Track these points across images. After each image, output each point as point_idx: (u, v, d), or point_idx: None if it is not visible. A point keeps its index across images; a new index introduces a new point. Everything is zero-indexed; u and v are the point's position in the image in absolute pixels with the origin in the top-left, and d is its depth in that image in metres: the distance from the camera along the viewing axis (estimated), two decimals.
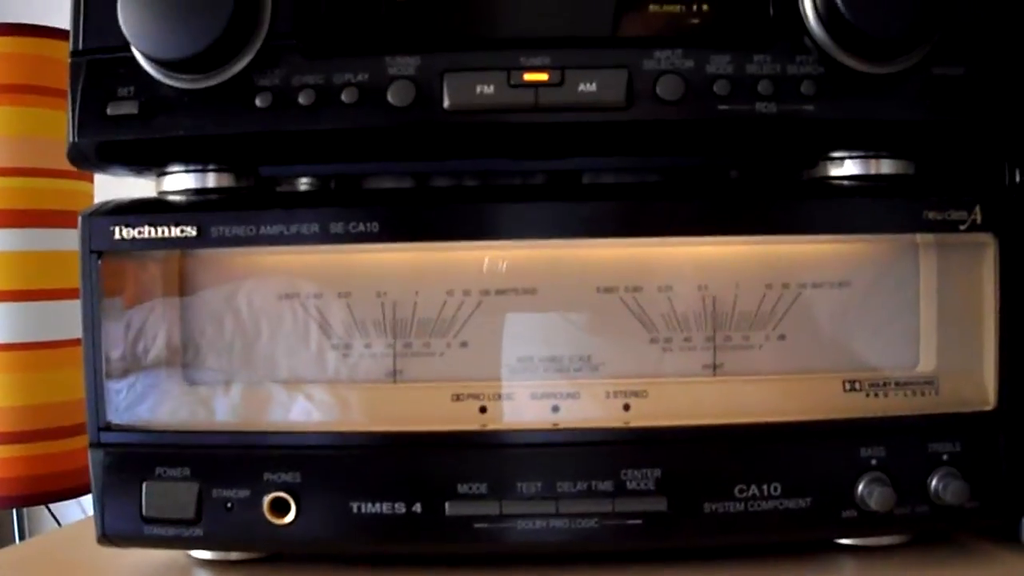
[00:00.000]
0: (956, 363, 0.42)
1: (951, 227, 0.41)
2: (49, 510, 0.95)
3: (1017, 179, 0.43)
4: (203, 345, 0.41)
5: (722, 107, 0.39)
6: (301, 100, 0.39)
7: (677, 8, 0.40)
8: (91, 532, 0.41)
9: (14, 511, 0.88)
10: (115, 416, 0.40)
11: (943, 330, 0.42)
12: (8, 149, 0.71)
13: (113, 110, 0.39)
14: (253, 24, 0.39)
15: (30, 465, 0.74)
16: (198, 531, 0.39)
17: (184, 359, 0.41)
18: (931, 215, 0.40)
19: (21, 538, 0.88)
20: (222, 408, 0.40)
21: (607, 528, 0.40)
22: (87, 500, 0.87)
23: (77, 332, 0.73)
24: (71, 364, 0.77)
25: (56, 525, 0.96)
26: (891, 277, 0.42)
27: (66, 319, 0.75)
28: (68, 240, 0.72)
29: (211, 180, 0.42)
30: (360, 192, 0.45)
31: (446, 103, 0.39)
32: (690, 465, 0.40)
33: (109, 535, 0.40)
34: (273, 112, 0.39)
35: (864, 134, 0.41)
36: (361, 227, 0.39)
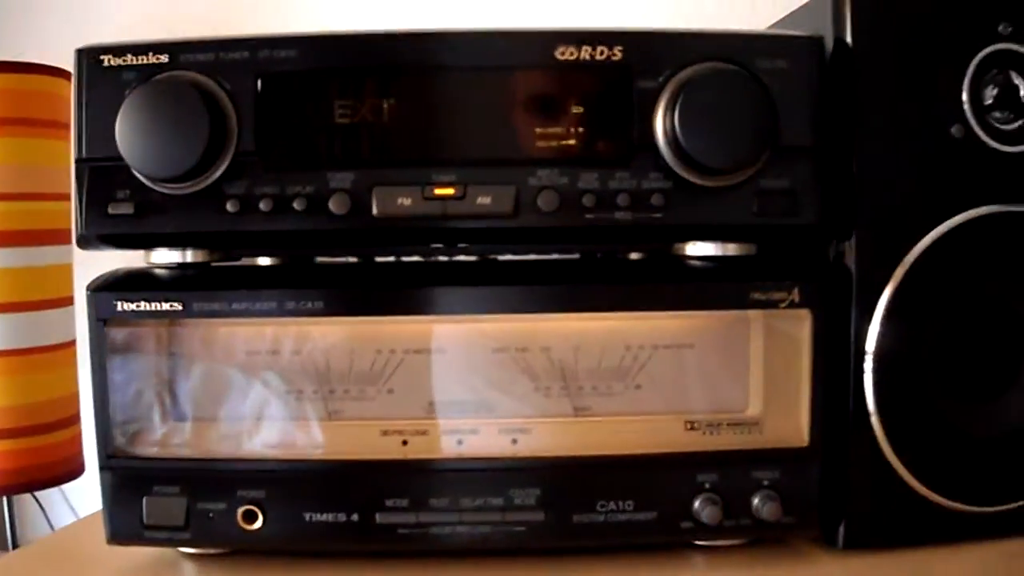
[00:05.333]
0: (777, 409, 0.62)
1: (773, 305, 0.61)
2: (35, 498, 1.17)
3: (831, 258, 0.63)
4: (187, 391, 0.61)
5: (588, 216, 0.59)
6: (262, 207, 0.58)
7: (558, 131, 0.59)
8: (100, 532, 0.62)
9: (5, 500, 1.10)
10: (120, 445, 0.60)
11: (768, 382, 0.62)
12: (6, 176, 0.90)
13: (113, 210, 0.59)
14: (223, 143, 0.58)
15: (18, 458, 0.95)
16: (187, 535, 0.60)
17: (172, 402, 0.61)
18: (757, 296, 0.60)
19: (11, 525, 1.10)
20: (203, 440, 0.61)
21: (499, 533, 0.60)
22: (68, 488, 1.09)
23: (59, 338, 0.93)
24: (54, 367, 0.98)
25: (40, 510, 1.18)
26: (727, 341, 0.62)
27: (49, 327, 0.96)
28: (51, 257, 0.93)
29: (189, 256, 0.62)
30: (308, 278, 0.63)
31: (375, 211, 0.58)
32: (563, 486, 0.60)
33: (118, 537, 0.60)
34: (240, 215, 0.58)
35: (704, 234, 0.61)
36: (309, 305, 0.59)
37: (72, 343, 1.02)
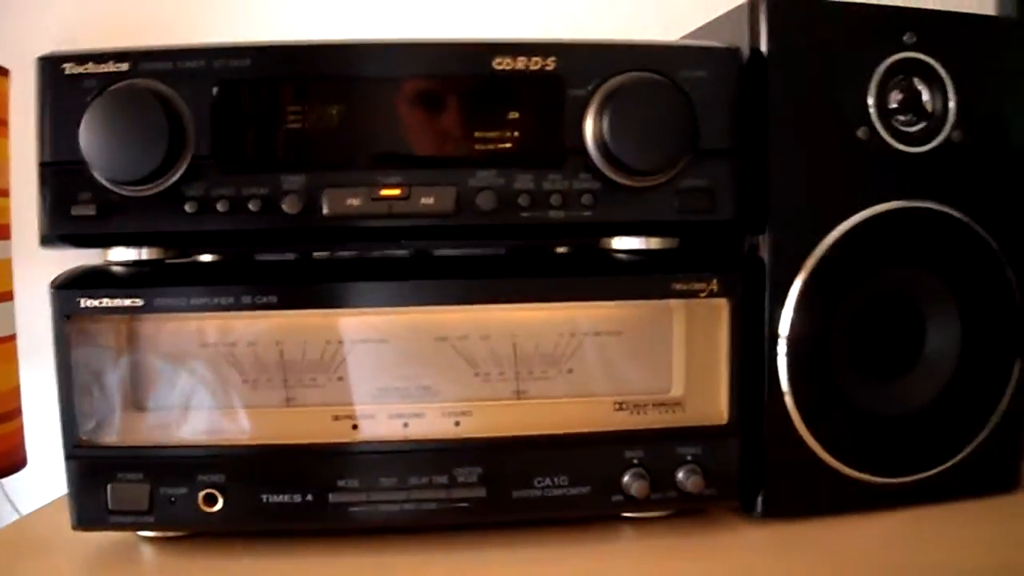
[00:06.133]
0: (699, 389, 0.69)
1: (694, 295, 0.67)
2: None
3: (746, 251, 0.70)
4: (147, 382, 0.66)
5: (524, 215, 0.65)
6: (219, 207, 0.64)
7: (495, 136, 0.65)
8: (63, 519, 0.66)
9: None
10: (85, 435, 0.65)
11: (689, 366, 0.69)
12: None
13: (76, 211, 0.63)
14: (181, 148, 0.63)
15: None
16: (150, 519, 0.64)
17: (134, 393, 0.66)
18: (679, 286, 0.67)
19: None
20: (164, 429, 0.66)
21: (444, 510, 0.66)
22: (7, 482, 1.13)
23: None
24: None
25: None
26: (651, 328, 0.69)
27: None
28: None
29: (145, 254, 0.67)
30: (262, 274, 0.68)
31: (325, 211, 0.64)
32: (503, 464, 0.66)
33: (84, 523, 0.65)
34: (198, 216, 0.64)
35: (630, 230, 0.68)
36: (264, 299, 0.65)
37: (12, 337, 1.05)
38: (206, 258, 0.71)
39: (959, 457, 0.74)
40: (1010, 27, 0.77)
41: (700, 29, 0.80)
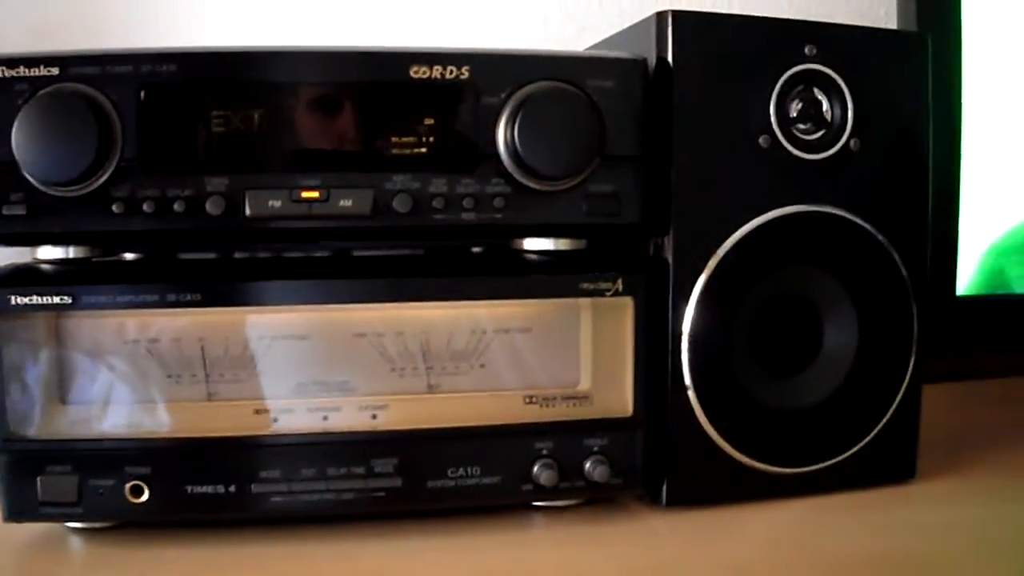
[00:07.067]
0: (605, 383, 0.74)
1: (600, 293, 0.73)
2: None
3: (651, 252, 0.76)
4: (76, 377, 0.70)
5: (438, 217, 0.70)
6: (145, 208, 0.68)
7: (411, 141, 0.70)
8: None
9: None
10: (15, 429, 0.69)
11: (596, 361, 0.74)
12: None
13: (7, 211, 0.67)
14: (109, 151, 0.67)
15: None
16: (79, 510, 0.68)
17: (63, 388, 0.70)
18: (586, 286, 0.73)
19: None
20: (92, 422, 0.70)
21: (362, 499, 0.71)
22: None
23: None
24: None
25: None
26: (560, 325, 0.74)
27: None
28: None
29: (72, 253, 0.71)
30: (187, 272, 0.73)
31: (247, 212, 0.68)
32: (418, 455, 0.71)
33: (14, 514, 0.68)
34: (125, 216, 0.68)
35: (540, 232, 0.73)
36: (188, 297, 0.69)
37: None
38: (130, 256, 0.75)
39: (856, 448, 0.80)
40: (907, 40, 0.82)
41: (610, 39, 0.85)
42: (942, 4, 0.96)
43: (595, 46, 0.89)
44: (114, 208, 0.67)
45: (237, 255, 0.76)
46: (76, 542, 0.72)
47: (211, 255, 0.75)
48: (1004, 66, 0.97)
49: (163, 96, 0.67)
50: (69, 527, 0.72)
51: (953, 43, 0.95)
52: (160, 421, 0.70)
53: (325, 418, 0.71)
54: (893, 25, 1.03)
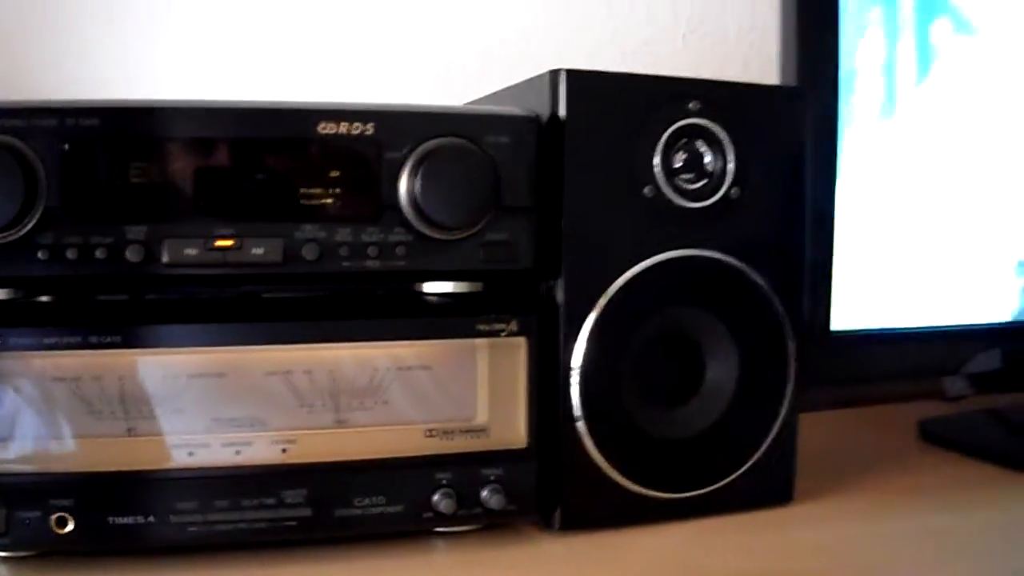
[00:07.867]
0: (501, 417, 0.80)
1: (495, 334, 0.80)
2: None
3: (543, 293, 0.83)
4: (3, 414, 0.76)
5: (345, 264, 0.76)
6: (68, 255, 0.73)
7: (319, 193, 0.77)
8: None
9: None
10: None
11: (493, 396, 0.80)
12: None
13: None
14: (34, 200, 0.73)
15: None
16: (6, 540, 0.72)
17: None
18: (482, 327, 0.80)
19: None
20: (19, 457, 0.75)
21: (274, 528, 0.76)
22: None
23: None
24: None
25: None
26: (458, 363, 0.80)
27: None
28: None
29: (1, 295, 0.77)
30: (107, 314, 0.78)
31: (165, 259, 0.74)
32: (325, 486, 0.77)
33: None
34: (49, 263, 0.73)
35: (439, 277, 0.80)
36: (109, 339, 0.75)
37: None
38: (45, 298, 0.80)
39: (738, 474, 0.87)
40: (785, 95, 0.91)
41: (503, 91, 0.92)
42: (821, 57, 1.05)
43: (493, 96, 0.96)
44: (39, 255, 0.72)
45: (150, 296, 0.81)
46: (2, 571, 0.76)
47: (125, 296, 0.80)
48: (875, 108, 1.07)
49: (85, 147, 0.72)
50: None
51: (831, 95, 1.04)
52: (83, 455, 0.74)
53: (238, 452, 0.76)
54: (774, 80, 1.11)
